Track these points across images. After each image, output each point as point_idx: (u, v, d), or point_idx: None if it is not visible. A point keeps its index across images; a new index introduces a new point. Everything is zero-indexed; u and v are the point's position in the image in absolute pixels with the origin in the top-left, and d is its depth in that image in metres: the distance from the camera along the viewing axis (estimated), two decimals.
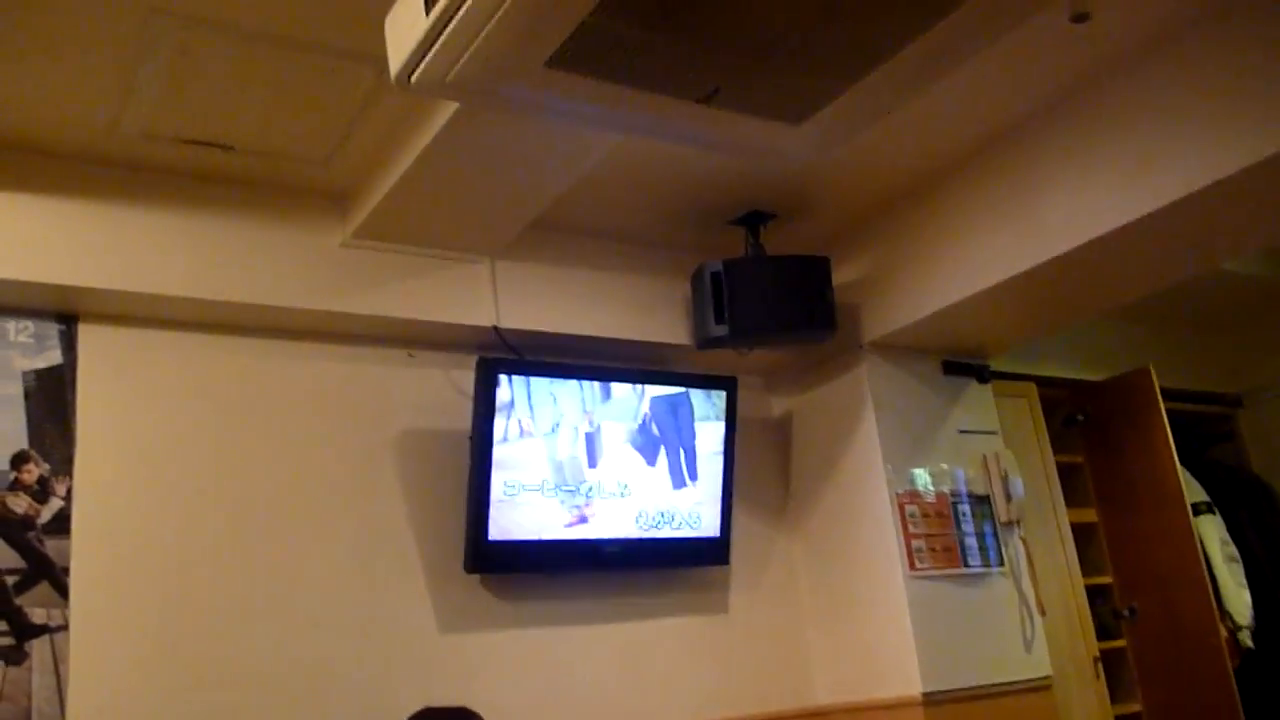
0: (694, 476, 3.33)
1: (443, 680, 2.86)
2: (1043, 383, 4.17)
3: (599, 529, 3.12)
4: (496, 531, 2.95)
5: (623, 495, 3.18)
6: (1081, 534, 4.08)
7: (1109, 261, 3.01)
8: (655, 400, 3.28)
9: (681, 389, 3.33)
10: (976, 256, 3.15)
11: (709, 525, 3.34)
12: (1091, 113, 2.86)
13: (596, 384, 3.19)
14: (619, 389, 3.23)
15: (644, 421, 3.25)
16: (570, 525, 3.07)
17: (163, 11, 2.14)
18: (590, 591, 3.22)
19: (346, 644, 2.79)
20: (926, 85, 2.23)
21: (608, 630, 3.22)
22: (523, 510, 3.00)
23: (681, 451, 3.32)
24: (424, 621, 2.93)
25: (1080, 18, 2.34)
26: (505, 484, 2.97)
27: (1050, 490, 4.03)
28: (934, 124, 2.96)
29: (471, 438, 2.98)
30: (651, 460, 3.25)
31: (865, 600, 3.43)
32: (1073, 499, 4.12)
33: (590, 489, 3.12)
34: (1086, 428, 4.30)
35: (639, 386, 3.26)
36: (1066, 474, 4.14)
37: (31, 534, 2.51)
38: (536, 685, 3.04)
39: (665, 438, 3.29)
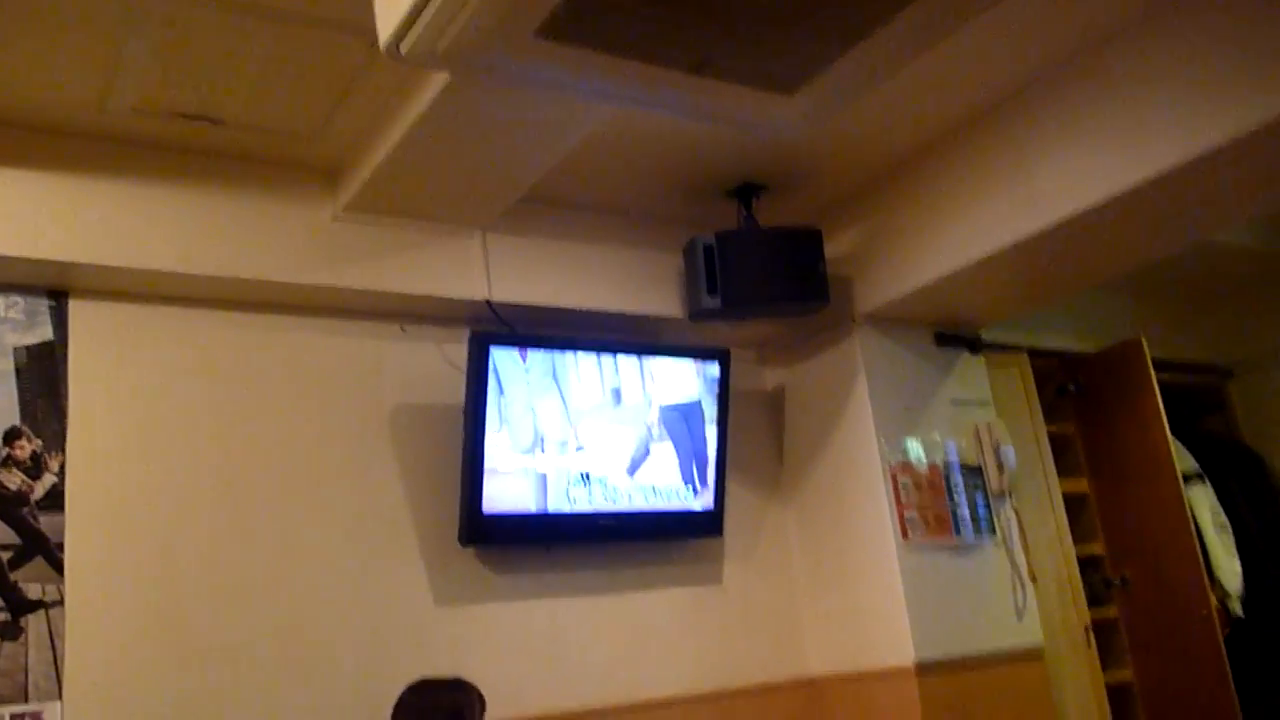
0: (704, 483, 3.35)
1: (438, 652, 2.87)
2: (1035, 354, 4.17)
3: (593, 502, 3.13)
4: (490, 505, 2.96)
5: (616, 470, 3.18)
6: (1073, 504, 4.10)
7: (1100, 232, 3.01)
8: (665, 410, 3.29)
9: (693, 399, 3.34)
10: (969, 228, 3.15)
11: (702, 498, 3.35)
12: (1084, 83, 2.85)
13: (602, 381, 3.19)
14: (630, 396, 3.23)
15: (649, 435, 3.27)
16: (563, 498, 3.08)
17: None
18: (584, 564, 3.23)
19: (342, 617, 2.81)
20: (918, 54, 2.23)
21: (602, 602, 3.24)
22: (516, 483, 3.01)
23: (694, 461, 3.34)
24: (419, 594, 2.95)
25: None
26: (498, 457, 2.98)
27: (1042, 460, 4.04)
28: (926, 94, 2.95)
29: (464, 411, 2.98)
30: (651, 467, 3.27)
31: (858, 570, 3.45)
32: (1064, 469, 4.13)
33: (584, 462, 3.13)
34: (1078, 398, 4.31)
35: (648, 392, 3.27)
36: (1058, 444, 4.15)
37: (25, 510, 2.52)
38: (531, 657, 3.06)
39: (677, 446, 3.31)
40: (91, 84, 2.44)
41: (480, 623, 3.01)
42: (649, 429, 3.27)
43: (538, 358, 3.09)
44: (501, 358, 3.01)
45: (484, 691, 2.42)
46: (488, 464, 2.95)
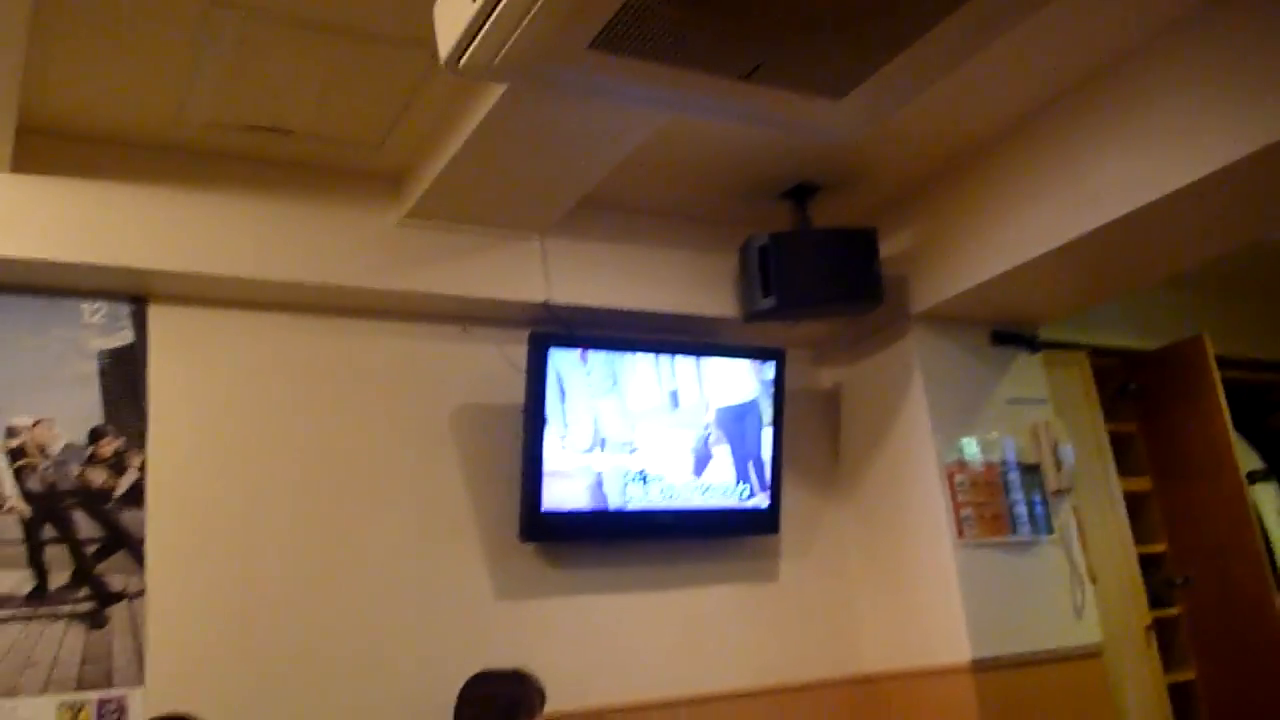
0: (760, 481, 3.39)
1: (499, 645, 2.95)
2: (1095, 352, 4.15)
3: (650, 499, 3.19)
4: (549, 502, 3.03)
5: (673, 468, 3.24)
6: (1135, 503, 4.07)
7: (1160, 228, 2.98)
8: (721, 411, 3.33)
9: (750, 400, 3.38)
10: (1024, 225, 3.14)
11: (759, 493, 3.39)
12: (1140, 78, 2.83)
13: (660, 383, 3.25)
14: (687, 398, 3.28)
15: (712, 437, 3.32)
16: (621, 496, 3.14)
17: (222, 4, 2.22)
18: (641, 560, 3.29)
19: (407, 610, 2.90)
20: (968, 57, 2.24)
21: (658, 598, 3.30)
22: (574, 481, 3.08)
23: (750, 459, 3.38)
24: (480, 589, 3.03)
25: None
26: (557, 455, 3.04)
27: (1102, 459, 4.02)
28: (980, 93, 2.95)
29: (524, 410, 3.06)
30: (710, 470, 3.32)
31: (914, 568, 3.47)
32: (1126, 468, 4.10)
33: (641, 460, 3.18)
34: (1140, 397, 4.27)
35: (705, 394, 3.32)
36: (1119, 443, 4.12)
37: (109, 505, 2.64)
38: (589, 650, 3.12)
39: (733, 445, 3.35)
40: (169, 100, 2.55)
41: (540, 617, 3.09)
42: (707, 430, 3.31)
43: (597, 359, 3.15)
44: (561, 359, 3.07)
45: (544, 684, 2.50)
46: (546, 462, 3.02)
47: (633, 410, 3.20)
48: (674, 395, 3.28)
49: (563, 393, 3.07)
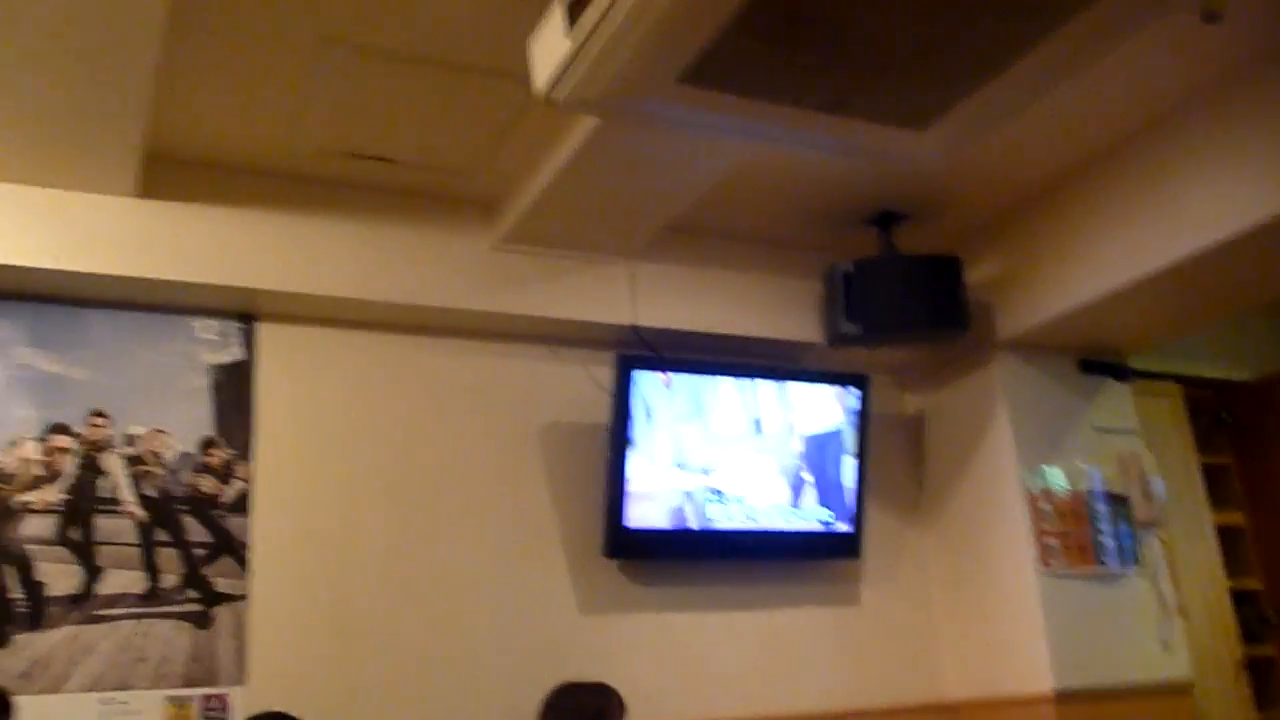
0: (843, 506, 3.41)
1: (581, 658, 3.02)
2: (1188, 382, 4.08)
3: (732, 520, 3.23)
4: (632, 519, 3.10)
5: (755, 489, 3.28)
6: (1228, 537, 3.99)
7: (1254, 256, 2.93)
8: (806, 440, 3.37)
9: (834, 428, 3.41)
10: (1113, 253, 3.12)
11: (841, 519, 3.41)
12: (1232, 105, 2.81)
13: (744, 409, 3.30)
14: (770, 425, 3.32)
15: (796, 465, 3.35)
16: (703, 516, 3.19)
17: (332, 42, 2.36)
18: (724, 579, 3.33)
19: (495, 621, 2.99)
20: (1052, 88, 2.24)
21: (740, 617, 3.33)
22: (658, 499, 3.14)
23: (833, 484, 3.41)
24: (565, 603, 3.11)
25: (1212, 17, 2.32)
26: (641, 474, 3.11)
27: (1193, 491, 3.95)
28: (1067, 120, 2.95)
29: (609, 429, 3.14)
30: (796, 498, 3.35)
31: (997, 596, 3.45)
32: (1218, 501, 4.02)
33: (724, 481, 3.24)
34: (1234, 428, 4.18)
35: (789, 421, 3.35)
36: (1212, 475, 4.04)
37: (217, 512, 2.79)
38: (671, 667, 3.18)
39: (816, 471, 3.38)
40: (281, 129, 2.70)
41: (622, 632, 3.15)
42: (790, 457, 3.35)
43: (681, 385, 3.21)
44: (646, 382, 3.15)
45: (624, 697, 2.55)
46: (630, 481, 3.09)
47: (716, 435, 3.24)
48: (758, 422, 3.33)
49: (648, 414, 3.14)
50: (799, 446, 3.36)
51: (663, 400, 3.18)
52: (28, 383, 2.68)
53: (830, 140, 2.33)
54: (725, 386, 3.29)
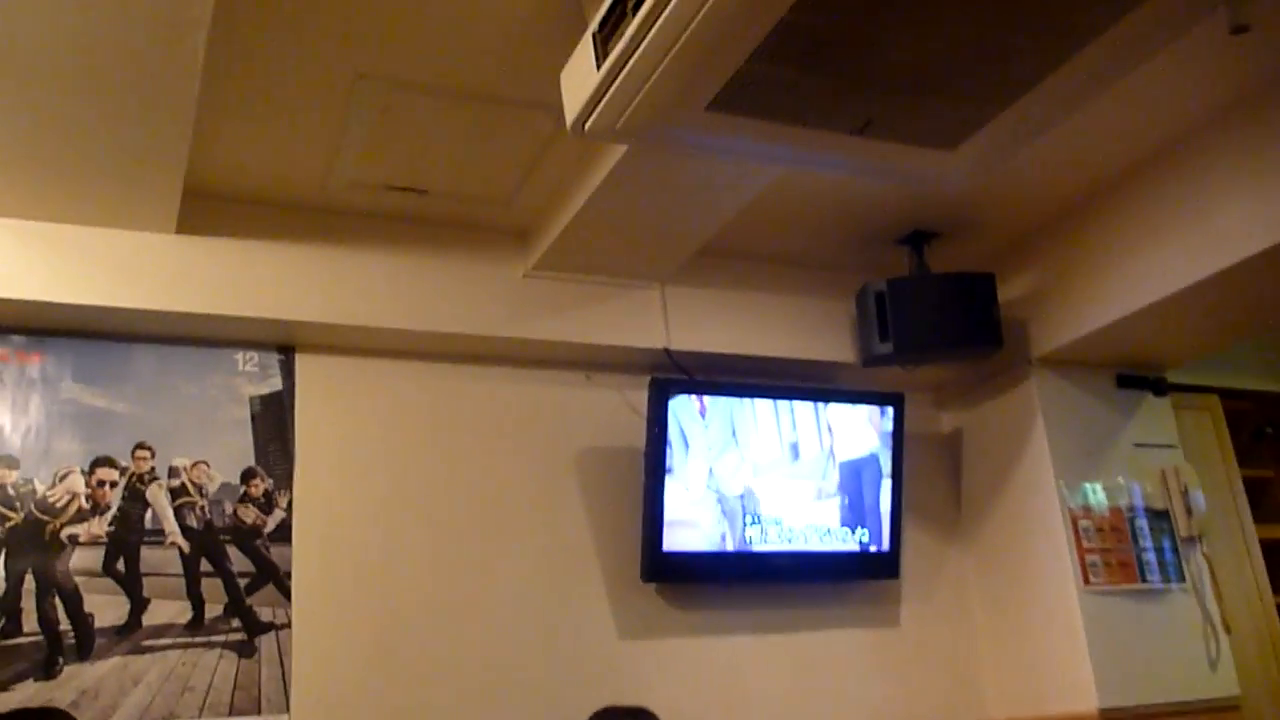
0: (880, 525, 3.40)
1: (621, 682, 3.03)
2: (1227, 395, 4.04)
3: (769, 542, 3.23)
4: (670, 543, 3.10)
5: (793, 512, 3.28)
6: (1271, 551, 3.93)
7: None
8: (843, 464, 3.37)
9: (871, 452, 3.41)
10: (1147, 268, 3.10)
11: (878, 539, 3.40)
12: (1266, 117, 2.80)
13: (780, 434, 3.30)
14: (808, 450, 3.33)
15: (833, 489, 3.36)
16: (741, 538, 3.20)
17: (368, 76, 2.40)
18: (762, 602, 3.33)
19: (534, 646, 3.00)
20: (1081, 107, 2.25)
21: (779, 640, 3.33)
22: (695, 523, 3.15)
23: (871, 504, 3.41)
24: (604, 627, 3.12)
25: (1240, 29, 2.32)
26: (678, 497, 3.12)
27: (1236, 506, 3.90)
28: (1098, 135, 2.95)
29: (645, 453, 3.15)
30: (833, 519, 3.36)
31: (1039, 614, 3.42)
32: (1262, 515, 3.97)
33: (762, 503, 3.24)
34: (1276, 441, 4.13)
35: (825, 446, 3.35)
36: (1255, 489, 3.99)
37: (259, 541, 2.83)
38: (710, 691, 3.17)
39: (853, 496, 3.39)
40: (317, 163, 2.75)
41: (661, 656, 3.15)
42: (828, 483, 3.35)
43: (716, 411, 3.21)
44: (681, 409, 3.15)
45: None
46: (667, 504, 3.10)
47: (753, 463, 3.25)
48: (794, 448, 3.33)
49: (685, 444, 3.15)
50: (836, 474, 3.36)
51: (698, 429, 3.18)
52: (73, 417, 2.73)
53: (859, 162, 2.35)
54: (761, 412, 3.30)
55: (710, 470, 3.18)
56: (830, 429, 3.38)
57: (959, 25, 1.90)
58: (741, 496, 3.22)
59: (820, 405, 3.38)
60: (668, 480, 3.11)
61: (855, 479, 3.39)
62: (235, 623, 2.74)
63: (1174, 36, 2.04)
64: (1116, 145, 3.04)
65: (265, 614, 2.77)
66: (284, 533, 2.85)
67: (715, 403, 3.23)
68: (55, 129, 2.29)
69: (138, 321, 2.76)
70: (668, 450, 3.12)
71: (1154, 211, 3.11)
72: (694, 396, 3.20)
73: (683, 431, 3.15)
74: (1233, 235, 2.87)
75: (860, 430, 3.42)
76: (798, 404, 3.36)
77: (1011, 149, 2.35)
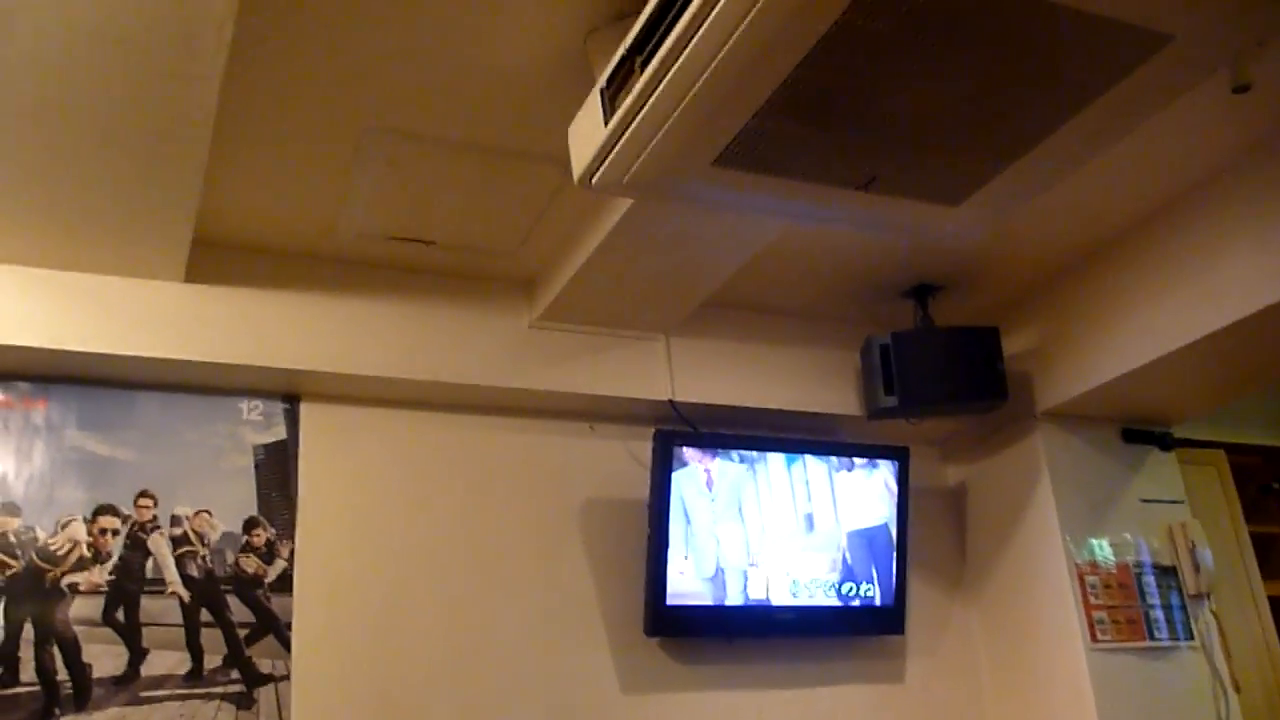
0: (885, 580, 3.38)
1: None
2: (1234, 450, 4.02)
3: (773, 596, 3.21)
4: (674, 597, 3.08)
5: (798, 568, 3.26)
6: None
7: None
8: (851, 535, 3.36)
9: (882, 521, 3.40)
10: (1152, 322, 3.11)
11: (883, 594, 3.38)
12: (1270, 174, 2.81)
13: (795, 505, 3.29)
14: (821, 521, 3.31)
15: (840, 552, 3.34)
16: (744, 592, 3.17)
17: (375, 129, 2.43)
18: (766, 657, 3.30)
19: (537, 699, 2.97)
20: (1086, 161, 2.27)
21: (783, 696, 3.29)
22: (699, 577, 3.13)
23: (876, 558, 3.39)
24: (607, 681, 3.09)
25: (1242, 88, 2.35)
26: (682, 551, 3.10)
27: (1244, 562, 3.87)
28: (1102, 190, 2.96)
29: (649, 505, 3.14)
30: (837, 575, 3.33)
31: (1046, 672, 3.38)
32: (1271, 572, 3.94)
33: (766, 559, 3.22)
34: None
35: (839, 520, 3.34)
36: (1263, 545, 3.96)
37: (260, 591, 2.81)
38: None
39: (859, 557, 3.37)
40: (324, 214, 2.77)
41: (665, 711, 3.12)
42: (834, 548, 3.32)
43: (724, 483, 3.19)
44: (686, 481, 3.13)
45: None
46: (671, 558, 3.08)
47: (758, 530, 3.23)
48: (809, 519, 3.31)
49: (687, 519, 3.13)
50: (844, 541, 3.34)
51: (704, 503, 3.17)
52: (77, 464, 2.73)
53: (864, 217, 2.36)
54: (771, 480, 3.27)
55: (717, 540, 3.16)
56: (838, 496, 3.35)
57: (962, 84, 1.92)
58: (748, 553, 3.19)
59: (833, 471, 3.36)
60: (671, 532, 3.08)
61: (866, 548, 3.37)
62: (234, 674, 2.71)
63: (1174, 97, 2.06)
64: (1120, 200, 3.06)
65: (264, 665, 2.75)
66: (285, 583, 2.83)
67: (722, 473, 3.21)
68: (66, 178, 2.31)
69: (144, 369, 2.76)
70: (670, 504, 3.10)
71: (1158, 266, 3.12)
72: (701, 467, 3.17)
73: (685, 508, 3.12)
74: (1237, 290, 2.87)
75: (869, 495, 3.40)
76: (809, 471, 3.33)
77: (1015, 204, 2.37)
